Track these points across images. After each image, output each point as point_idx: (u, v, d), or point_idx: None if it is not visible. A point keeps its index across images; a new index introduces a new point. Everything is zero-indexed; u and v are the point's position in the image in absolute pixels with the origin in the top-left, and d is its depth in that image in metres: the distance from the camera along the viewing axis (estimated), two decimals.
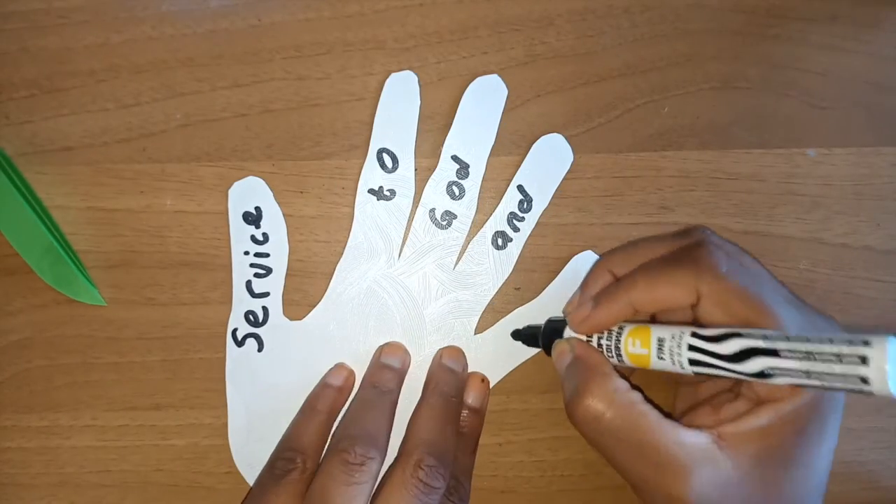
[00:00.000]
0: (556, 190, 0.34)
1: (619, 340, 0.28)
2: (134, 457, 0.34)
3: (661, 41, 0.34)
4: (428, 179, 0.33)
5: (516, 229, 0.34)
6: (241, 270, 0.33)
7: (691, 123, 0.34)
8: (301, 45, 0.33)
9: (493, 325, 0.34)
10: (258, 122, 0.33)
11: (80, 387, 0.33)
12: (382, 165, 0.33)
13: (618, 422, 0.26)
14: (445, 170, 0.33)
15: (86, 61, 0.33)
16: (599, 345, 0.29)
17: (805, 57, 0.34)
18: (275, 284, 0.33)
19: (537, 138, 0.33)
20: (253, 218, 0.33)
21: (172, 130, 0.33)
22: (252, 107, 0.33)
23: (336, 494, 0.27)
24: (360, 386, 0.32)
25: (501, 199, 0.33)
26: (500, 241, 0.34)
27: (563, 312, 0.31)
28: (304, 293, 0.33)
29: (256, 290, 0.33)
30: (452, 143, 0.33)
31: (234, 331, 0.33)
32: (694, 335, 0.26)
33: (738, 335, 0.24)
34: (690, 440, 0.25)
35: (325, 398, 0.32)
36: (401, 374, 0.33)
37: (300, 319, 0.33)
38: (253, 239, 0.33)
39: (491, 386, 0.34)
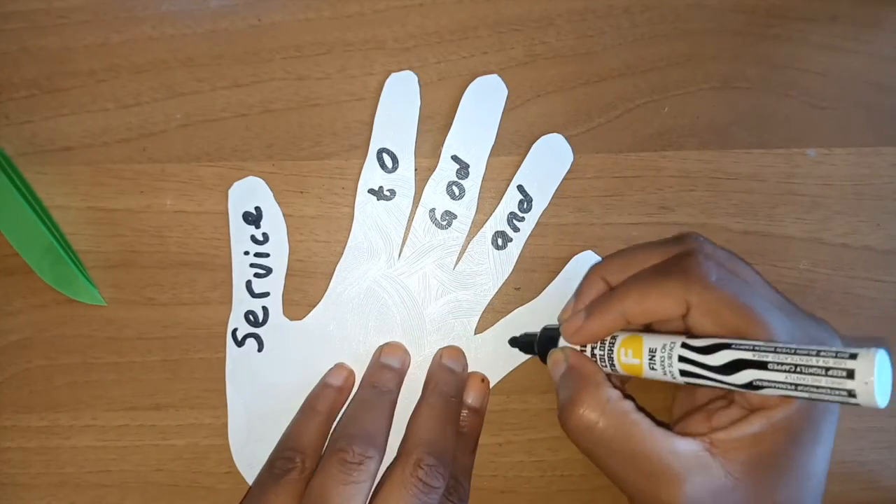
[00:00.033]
0: (556, 190, 0.34)
1: (612, 350, 0.28)
2: (134, 457, 0.34)
3: (661, 41, 0.34)
4: (428, 179, 0.33)
5: (516, 229, 0.34)
6: (241, 270, 0.33)
7: (691, 123, 0.34)
8: (301, 45, 0.33)
9: (493, 326, 0.34)
10: (258, 122, 0.33)
11: (80, 387, 0.33)
12: (382, 165, 0.33)
13: (610, 431, 0.26)
14: (445, 170, 0.33)
15: (86, 61, 0.33)
16: (593, 354, 0.29)
17: (805, 57, 0.34)
18: (275, 284, 0.33)
19: (537, 138, 0.33)
20: (253, 218, 0.33)
21: (172, 130, 0.33)
22: (252, 107, 0.33)
23: (334, 493, 0.27)
24: (360, 386, 0.32)
25: (501, 199, 0.33)
26: (500, 241, 0.34)
27: (558, 319, 0.31)
28: (304, 293, 0.33)
29: (256, 290, 0.33)
30: (452, 143, 0.33)
31: (234, 331, 0.33)
32: (684, 346, 0.26)
33: (728, 346, 0.24)
34: (683, 448, 0.25)
35: (324, 398, 0.32)
36: (400, 374, 0.33)
37: (300, 319, 0.33)
38: (253, 239, 0.33)
39: (491, 386, 0.34)
